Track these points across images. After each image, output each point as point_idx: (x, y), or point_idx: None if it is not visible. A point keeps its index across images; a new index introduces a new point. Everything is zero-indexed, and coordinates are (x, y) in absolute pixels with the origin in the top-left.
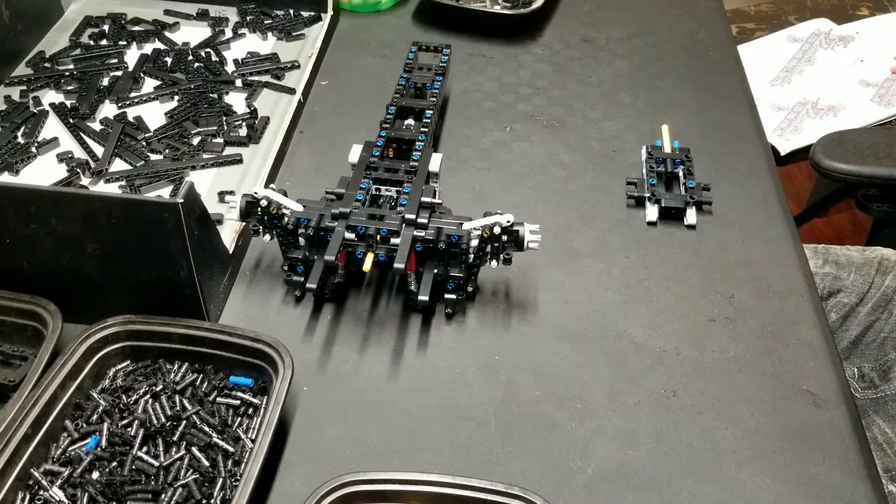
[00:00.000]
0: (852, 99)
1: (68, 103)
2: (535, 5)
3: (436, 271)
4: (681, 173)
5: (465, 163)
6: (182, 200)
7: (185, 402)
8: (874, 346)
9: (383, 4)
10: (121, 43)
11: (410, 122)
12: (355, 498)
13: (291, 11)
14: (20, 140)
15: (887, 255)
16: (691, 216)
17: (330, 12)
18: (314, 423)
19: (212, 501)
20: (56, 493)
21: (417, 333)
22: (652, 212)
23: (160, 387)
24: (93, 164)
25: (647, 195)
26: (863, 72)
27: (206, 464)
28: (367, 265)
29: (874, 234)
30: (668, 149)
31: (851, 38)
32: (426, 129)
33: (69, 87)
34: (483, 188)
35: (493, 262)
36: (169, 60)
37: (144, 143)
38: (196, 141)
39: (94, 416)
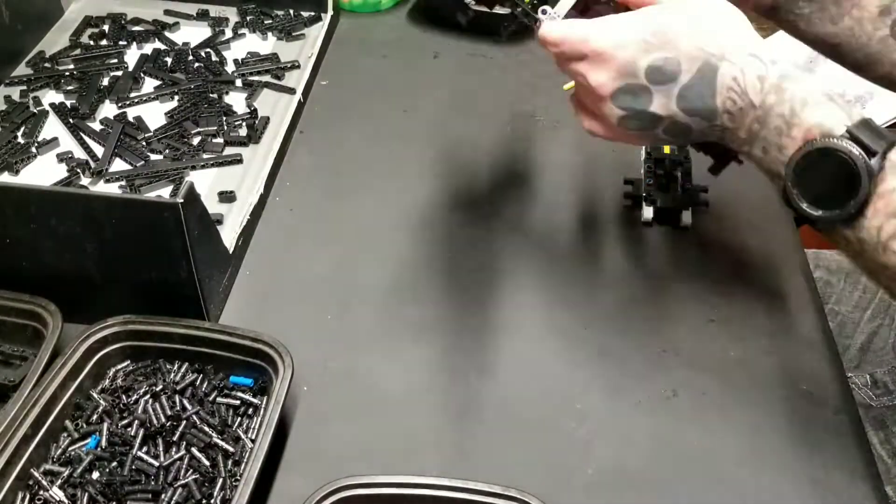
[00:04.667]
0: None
1: (68, 103)
2: None
3: None
4: (679, 175)
5: (465, 163)
6: (182, 200)
7: (185, 402)
8: (884, 353)
9: (383, 4)
10: (121, 43)
11: None
12: (350, 502)
13: (291, 11)
14: (20, 140)
15: None
16: (687, 217)
17: (330, 12)
18: (314, 423)
19: (212, 501)
20: (56, 493)
21: (418, 333)
22: (649, 212)
23: (160, 387)
24: (93, 164)
25: (644, 194)
26: None
27: (207, 464)
28: None
29: None
30: (666, 149)
31: None
32: None
33: (69, 87)
34: (483, 188)
35: None
36: (169, 60)
37: (144, 143)
38: (196, 141)
39: (94, 416)
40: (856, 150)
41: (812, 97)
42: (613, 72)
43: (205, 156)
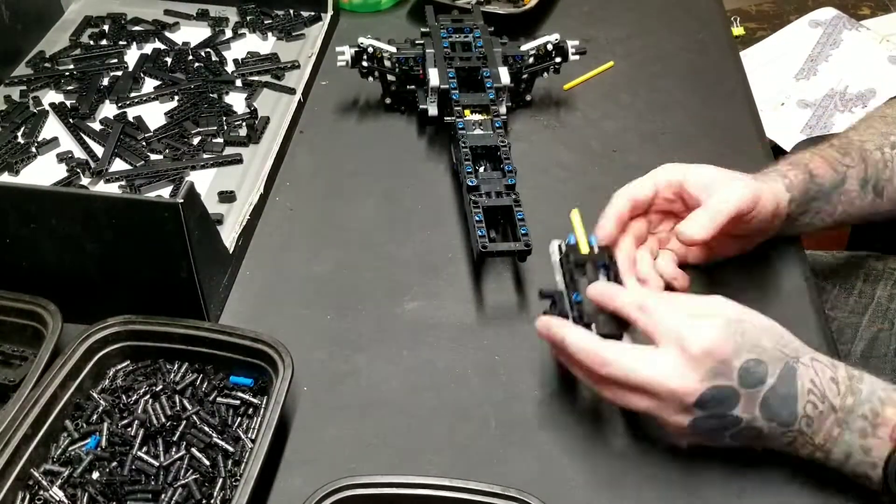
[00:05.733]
0: (882, 81)
1: (68, 103)
2: (530, 4)
3: None
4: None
5: None
6: (182, 200)
7: (185, 402)
8: (886, 360)
9: (383, 4)
10: (121, 43)
11: None
12: (350, 502)
13: (291, 11)
14: (20, 140)
15: (872, 263)
16: None
17: (330, 12)
18: (314, 423)
19: (212, 501)
20: (56, 493)
21: (418, 333)
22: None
23: (160, 387)
24: (93, 164)
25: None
26: (891, 48)
27: (207, 464)
28: None
29: (854, 238)
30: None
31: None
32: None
33: (69, 87)
34: None
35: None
36: (169, 60)
37: (144, 143)
38: (196, 141)
39: (94, 416)
40: None
41: (888, 395)
42: (703, 373)
43: (205, 156)
